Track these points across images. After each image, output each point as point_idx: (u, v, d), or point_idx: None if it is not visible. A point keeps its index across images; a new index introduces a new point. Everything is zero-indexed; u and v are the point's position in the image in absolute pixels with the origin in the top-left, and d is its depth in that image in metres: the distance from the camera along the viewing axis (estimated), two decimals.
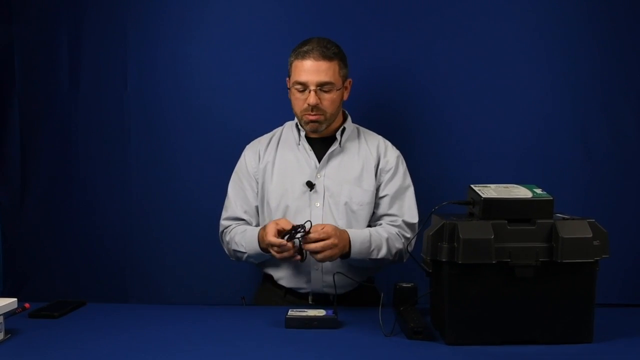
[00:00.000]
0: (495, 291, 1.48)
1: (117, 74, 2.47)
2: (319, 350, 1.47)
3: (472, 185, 1.58)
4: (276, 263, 2.01)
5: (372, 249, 1.90)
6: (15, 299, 1.60)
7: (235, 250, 2.01)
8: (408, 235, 1.99)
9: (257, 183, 2.08)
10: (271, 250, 1.82)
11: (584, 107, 2.38)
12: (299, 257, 1.81)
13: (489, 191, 1.53)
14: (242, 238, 1.98)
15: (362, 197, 2.00)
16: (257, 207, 2.08)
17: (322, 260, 1.82)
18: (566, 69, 2.38)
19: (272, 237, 1.78)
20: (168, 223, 2.49)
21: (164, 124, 2.48)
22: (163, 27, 2.46)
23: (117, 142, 2.49)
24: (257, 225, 2.07)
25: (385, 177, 2.04)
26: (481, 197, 1.51)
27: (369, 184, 2.02)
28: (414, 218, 2.02)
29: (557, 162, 2.38)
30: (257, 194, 2.08)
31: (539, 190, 1.55)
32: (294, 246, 1.78)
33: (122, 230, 2.50)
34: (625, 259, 2.33)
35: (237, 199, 2.08)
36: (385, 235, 1.94)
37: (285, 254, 1.79)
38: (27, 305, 1.83)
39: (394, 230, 1.99)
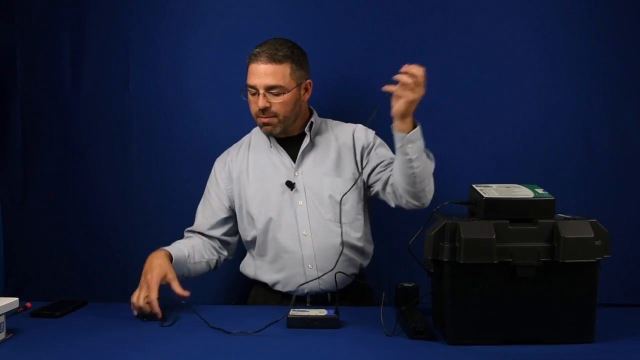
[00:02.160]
0: (496, 291, 1.48)
1: (119, 73, 2.47)
2: (321, 350, 1.48)
3: (473, 185, 1.58)
4: (268, 269, 2.02)
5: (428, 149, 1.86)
6: (17, 299, 1.60)
7: None
8: None
9: (228, 197, 2.09)
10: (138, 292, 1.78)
11: (586, 106, 2.38)
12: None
13: (491, 191, 1.53)
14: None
15: (345, 186, 1.98)
16: (224, 220, 2.10)
17: (403, 93, 1.72)
18: (568, 68, 2.37)
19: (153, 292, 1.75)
20: (170, 222, 2.48)
21: (166, 124, 2.47)
22: (165, 27, 2.46)
23: (119, 142, 2.49)
24: (223, 235, 2.12)
25: (373, 154, 2.03)
26: (483, 197, 1.51)
27: (349, 171, 2.02)
28: None
29: (559, 162, 2.38)
30: (230, 206, 2.09)
31: (540, 190, 1.55)
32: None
33: (124, 230, 2.50)
34: (627, 259, 2.32)
35: (204, 212, 2.11)
36: None
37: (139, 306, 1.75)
38: (28, 304, 1.84)
39: None
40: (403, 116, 1.75)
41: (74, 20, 2.47)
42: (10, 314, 1.60)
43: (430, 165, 1.86)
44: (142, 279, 1.81)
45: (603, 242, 1.48)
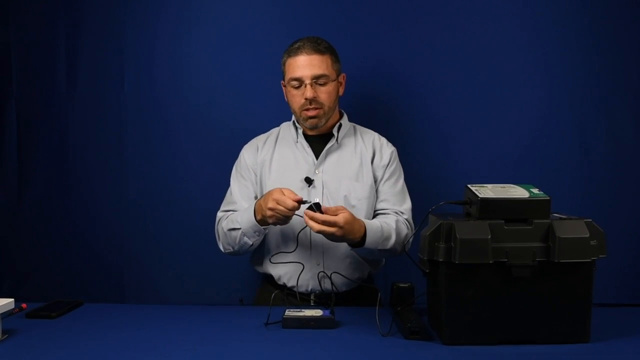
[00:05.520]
0: (492, 291, 1.48)
1: (114, 74, 2.47)
2: (316, 350, 1.47)
3: (469, 185, 1.58)
4: (277, 260, 2.01)
5: (383, 238, 1.90)
6: (13, 299, 1.60)
7: (230, 230, 1.98)
8: (406, 217, 2.02)
9: (256, 175, 2.08)
10: (270, 212, 1.80)
11: (581, 106, 2.38)
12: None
13: (486, 191, 1.53)
14: (238, 214, 1.98)
15: (361, 192, 2.02)
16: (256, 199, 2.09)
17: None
18: (563, 68, 2.38)
19: (287, 199, 1.78)
20: (165, 223, 2.49)
21: (161, 124, 2.48)
22: (160, 27, 2.46)
23: (114, 143, 2.49)
24: None
25: (380, 173, 2.07)
26: (478, 197, 1.51)
27: (368, 178, 2.04)
28: (408, 203, 2.07)
29: (554, 162, 2.38)
30: (257, 185, 2.09)
31: (536, 190, 1.55)
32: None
33: (119, 231, 2.50)
34: (623, 258, 2.33)
35: (241, 193, 2.08)
36: (393, 225, 1.95)
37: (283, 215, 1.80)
38: (24, 305, 1.83)
39: (398, 217, 2.01)
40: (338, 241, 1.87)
41: (69, 20, 2.47)
42: (6, 315, 1.61)
43: (380, 252, 1.95)
44: (269, 201, 1.82)
45: (598, 241, 1.49)
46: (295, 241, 1.93)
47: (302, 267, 1.97)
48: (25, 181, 2.52)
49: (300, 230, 1.90)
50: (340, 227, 1.76)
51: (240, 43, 2.44)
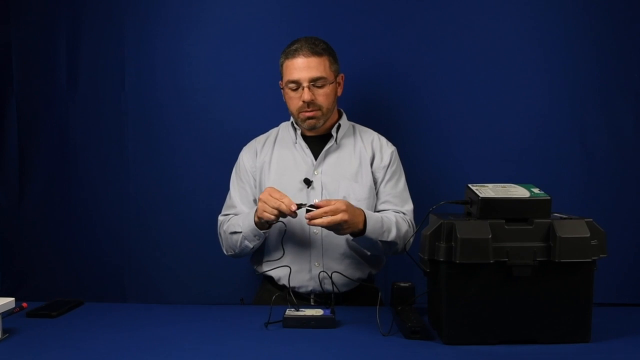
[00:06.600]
0: (492, 291, 1.48)
1: (115, 74, 2.47)
2: (317, 349, 1.47)
3: (469, 185, 1.58)
4: (276, 263, 2.01)
5: (383, 229, 1.91)
6: (13, 299, 1.60)
7: (232, 233, 1.98)
8: (409, 218, 2.03)
9: (255, 179, 2.09)
10: (261, 203, 1.81)
11: (582, 106, 2.38)
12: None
13: (487, 191, 1.53)
14: (239, 218, 1.99)
15: (360, 193, 2.02)
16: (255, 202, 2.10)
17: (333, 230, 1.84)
18: (564, 68, 2.38)
19: (285, 196, 1.79)
20: (166, 222, 2.49)
21: (162, 124, 2.48)
22: (161, 27, 2.46)
23: (114, 142, 2.49)
24: None
25: (381, 174, 2.07)
26: (479, 196, 1.51)
27: (367, 179, 2.04)
28: (410, 205, 2.07)
29: (555, 162, 2.38)
30: (256, 189, 2.09)
31: (536, 190, 1.55)
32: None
33: (120, 230, 2.50)
34: (623, 258, 2.33)
35: (240, 196, 2.09)
36: (393, 218, 1.96)
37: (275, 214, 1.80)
38: (24, 304, 1.83)
39: (399, 215, 2.01)
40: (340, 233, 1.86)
41: (70, 20, 2.47)
42: (6, 314, 1.61)
43: (383, 245, 1.94)
44: (264, 193, 1.83)
45: (599, 241, 1.49)
46: (282, 248, 1.95)
47: (299, 268, 1.98)
48: (25, 181, 2.52)
49: (282, 237, 1.91)
50: (344, 211, 1.77)
51: (241, 42, 2.44)
